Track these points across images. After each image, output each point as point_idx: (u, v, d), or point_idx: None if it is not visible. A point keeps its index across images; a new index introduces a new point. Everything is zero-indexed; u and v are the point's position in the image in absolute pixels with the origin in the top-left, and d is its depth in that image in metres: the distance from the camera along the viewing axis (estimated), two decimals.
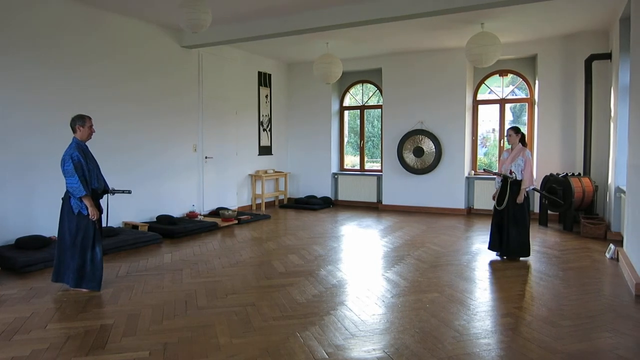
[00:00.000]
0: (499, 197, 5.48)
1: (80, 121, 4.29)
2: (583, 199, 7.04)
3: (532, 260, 5.46)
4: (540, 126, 8.27)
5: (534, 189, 5.68)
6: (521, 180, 5.34)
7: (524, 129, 9.02)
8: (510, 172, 5.37)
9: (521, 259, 5.45)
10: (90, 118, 4.38)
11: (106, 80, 6.58)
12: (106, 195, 4.53)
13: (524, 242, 5.38)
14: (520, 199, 5.35)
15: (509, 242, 5.38)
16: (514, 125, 5.71)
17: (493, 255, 5.61)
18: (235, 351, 3.07)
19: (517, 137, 5.46)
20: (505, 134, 5.67)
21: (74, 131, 4.30)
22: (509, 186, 5.39)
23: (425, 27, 7.27)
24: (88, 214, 4.22)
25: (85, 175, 4.21)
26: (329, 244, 6.34)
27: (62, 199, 4.32)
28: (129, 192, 4.76)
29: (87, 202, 4.19)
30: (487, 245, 5.70)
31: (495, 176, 5.62)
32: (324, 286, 4.48)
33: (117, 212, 6.77)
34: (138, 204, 7.07)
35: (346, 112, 10.58)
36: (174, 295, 4.18)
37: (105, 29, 6.57)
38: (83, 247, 4.24)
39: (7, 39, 5.46)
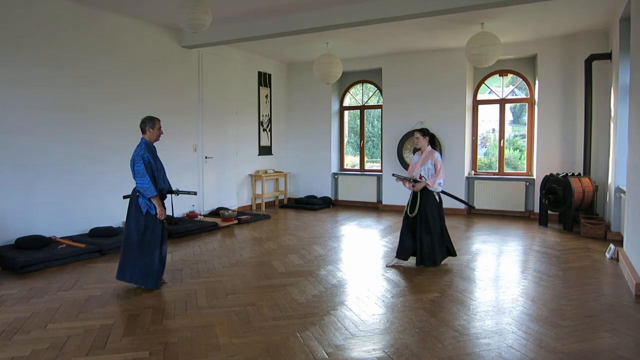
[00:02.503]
0: (412, 204, 5.18)
1: (150, 123, 4.36)
2: (583, 199, 7.04)
3: (532, 260, 5.46)
4: (540, 126, 8.27)
5: (443, 192, 5.25)
6: (432, 187, 5.07)
7: (524, 129, 9.03)
8: (420, 177, 5.11)
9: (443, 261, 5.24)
10: (159, 120, 4.45)
11: (106, 80, 6.57)
12: (170, 195, 4.57)
13: (436, 249, 5.08)
14: (418, 187, 5.08)
15: (422, 249, 5.07)
16: (423, 127, 5.25)
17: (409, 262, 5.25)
18: (235, 351, 3.06)
19: (425, 140, 5.18)
20: (414, 137, 5.32)
21: (144, 132, 4.37)
22: (420, 192, 5.12)
23: (425, 27, 7.27)
24: (156, 214, 4.27)
25: (155, 176, 4.28)
26: (329, 244, 6.34)
27: (130, 198, 4.37)
28: (195, 193, 4.75)
29: (155, 202, 4.25)
30: (485, 245, 5.69)
31: (403, 181, 5.27)
32: (324, 286, 4.48)
33: (117, 212, 6.78)
34: None
35: (346, 112, 10.58)
36: (174, 295, 4.18)
37: (105, 28, 6.57)
38: (151, 246, 4.29)
39: (7, 38, 5.46)
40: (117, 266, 4.41)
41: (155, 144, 4.49)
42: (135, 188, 4.32)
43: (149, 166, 4.22)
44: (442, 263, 5.24)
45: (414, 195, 5.19)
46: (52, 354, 3.01)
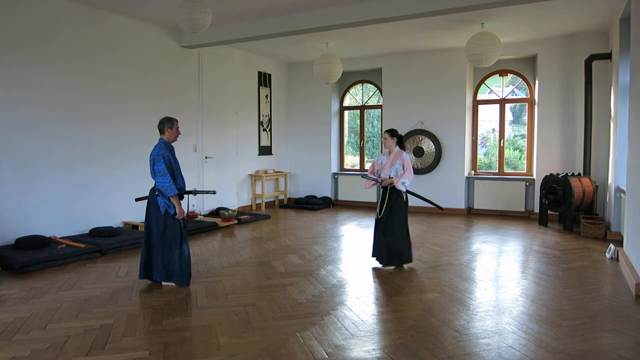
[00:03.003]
0: (381, 206, 5.12)
1: (168, 123, 4.40)
2: (583, 199, 7.03)
3: (532, 260, 5.46)
4: (540, 126, 8.27)
5: (409, 192, 5.18)
6: (397, 185, 4.98)
7: (524, 129, 9.03)
8: (390, 178, 5.03)
9: (405, 265, 5.15)
10: (177, 120, 4.50)
11: (106, 80, 6.57)
12: (187, 195, 4.60)
13: (397, 249, 5.01)
14: (385, 183, 4.99)
15: (383, 249, 5.04)
16: (391, 128, 5.16)
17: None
18: (235, 351, 3.06)
19: (394, 141, 5.09)
20: (382, 137, 5.21)
21: (162, 132, 4.41)
22: (389, 193, 5.06)
23: (425, 27, 7.27)
24: (175, 213, 4.31)
25: (174, 175, 4.33)
26: (329, 244, 6.34)
27: (148, 198, 4.43)
28: (214, 192, 4.78)
29: (175, 201, 4.29)
30: (485, 245, 5.70)
31: (370, 181, 5.20)
32: (324, 286, 4.48)
33: (117, 212, 6.79)
34: (138, 204, 7.03)
35: (346, 112, 10.58)
36: (174, 295, 4.18)
37: (105, 28, 6.57)
38: (171, 245, 4.35)
39: (6, 37, 5.46)
40: (139, 266, 4.47)
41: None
42: (153, 188, 4.36)
43: (169, 165, 4.27)
44: (441, 263, 5.23)
45: (383, 196, 5.12)
46: (52, 354, 3.01)
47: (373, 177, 5.23)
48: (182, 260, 4.38)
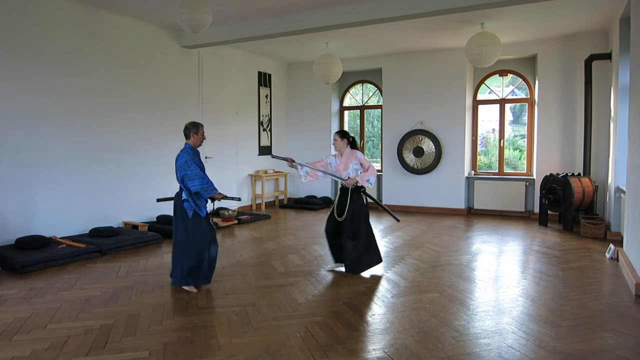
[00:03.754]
0: (340, 208, 4.93)
1: (194, 128, 4.40)
2: (583, 199, 7.03)
3: (532, 260, 5.46)
4: (540, 126, 8.27)
5: (367, 195, 5.01)
6: (362, 183, 4.85)
7: (524, 129, 9.03)
8: (352, 178, 4.84)
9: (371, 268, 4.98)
10: (202, 125, 4.51)
11: (106, 80, 6.57)
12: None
13: (362, 256, 4.84)
14: (351, 182, 4.82)
15: (347, 255, 4.84)
16: (342, 129, 5.08)
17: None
18: (235, 351, 3.06)
19: (344, 142, 4.93)
20: (333, 139, 5.06)
21: (188, 137, 4.41)
22: (350, 195, 4.88)
23: (425, 27, 7.27)
24: (205, 215, 4.33)
25: None
26: None
27: (174, 203, 4.40)
28: (239, 199, 4.72)
29: (218, 196, 4.30)
30: (485, 245, 5.69)
31: (302, 174, 5.01)
32: (324, 286, 4.48)
33: (117, 212, 6.79)
34: (138, 204, 7.08)
35: (346, 112, 10.58)
36: (174, 295, 4.18)
37: (105, 28, 6.57)
38: (200, 248, 4.30)
39: (7, 37, 5.46)
40: (173, 272, 4.40)
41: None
42: (178, 193, 4.35)
43: (201, 169, 4.29)
44: (441, 263, 5.22)
45: (343, 198, 4.93)
46: (52, 354, 3.01)
47: (308, 166, 4.98)
48: (209, 262, 4.36)
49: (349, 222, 4.85)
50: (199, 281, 4.35)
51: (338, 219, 4.92)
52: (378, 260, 4.96)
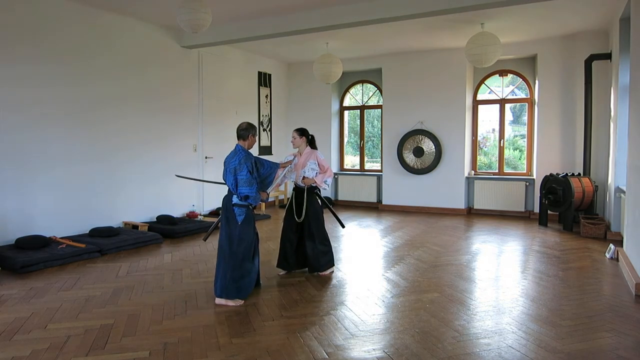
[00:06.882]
0: (297, 209, 4.82)
1: (253, 130, 4.16)
2: (583, 199, 7.03)
3: (532, 260, 5.46)
4: (540, 126, 8.27)
5: (320, 197, 4.96)
6: (319, 185, 4.80)
7: (524, 129, 9.03)
8: (304, 179, 4.77)
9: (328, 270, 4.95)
10: (256, 128, 4.32)
11: (105, 80, 6.57)
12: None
13: (327, 252, 4.87)
14: (307, 182, 4.74)
15: (308, 256, 4.80)
16: (301, 127, 4.94)
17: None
18: (235, 351, 3.06)
19: (302, 140, 4.81)
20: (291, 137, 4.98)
21: (244, 139, 4.14)
22: (307, 195, 4.79)
23: (425, 27, 7.27)
24: (252, 224, 4.13)
25: (263, 179, 4.28)
26: None
27: (224, 207, 4.13)
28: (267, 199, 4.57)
29: (261, 197, 4.21)
30: (485, 245, 5.68)
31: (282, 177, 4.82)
32: (323, 286, 4.48)
33: (117, 212, 6.79)
34: (138, 204, 7.08)
35: (346, 112, 10.58)
36: (174, 295, 4.18)
37: (105, 28, 6.56)
38: (244, 258, 4.05)
39: (5, 37, 5.45)
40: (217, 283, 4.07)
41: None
42: (227, 196, 4.13)
43: (252, 173, 4.06)
44: (441, 263, 5.22)
45: (298, 198, 4.85)
46: (52, 354, 3.01)
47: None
48: (250, 275, 4.09)
49: (308, 223, 4.80)
50: (243, 294, 4.03)
51: (297, 220, 4.82)
52: (333, 262, 4.98)
